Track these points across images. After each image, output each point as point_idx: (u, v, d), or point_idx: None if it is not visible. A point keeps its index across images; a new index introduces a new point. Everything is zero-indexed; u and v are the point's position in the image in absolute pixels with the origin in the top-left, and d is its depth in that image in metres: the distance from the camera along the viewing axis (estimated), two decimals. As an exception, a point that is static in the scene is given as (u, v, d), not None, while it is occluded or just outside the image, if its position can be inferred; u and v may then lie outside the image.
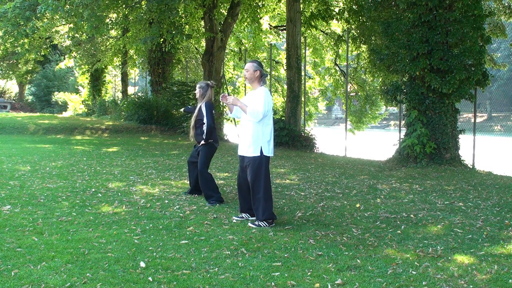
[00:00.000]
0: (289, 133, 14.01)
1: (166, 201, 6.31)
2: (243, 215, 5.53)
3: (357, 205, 6.27)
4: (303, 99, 15.83)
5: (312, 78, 22.44)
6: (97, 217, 5.41)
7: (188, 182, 7.10)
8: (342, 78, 20.44)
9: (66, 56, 29.08)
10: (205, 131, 6.34)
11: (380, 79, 15.05)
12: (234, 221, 5.41)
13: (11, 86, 42.86)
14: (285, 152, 12.92)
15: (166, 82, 21.27)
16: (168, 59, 21.91)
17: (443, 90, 9.69)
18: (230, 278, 3.66)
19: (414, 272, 3.82)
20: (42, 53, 23.54)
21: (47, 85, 37.05)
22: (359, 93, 20.26)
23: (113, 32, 23.43)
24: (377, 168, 10.24)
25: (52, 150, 12.19)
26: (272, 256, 4.19)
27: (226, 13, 17.44)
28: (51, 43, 24.83)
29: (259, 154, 5.22)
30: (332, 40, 19.43)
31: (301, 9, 15.46)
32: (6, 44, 16.52)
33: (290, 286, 3.54)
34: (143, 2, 14.53)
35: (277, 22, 21.01)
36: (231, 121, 18.34)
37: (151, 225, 5.11)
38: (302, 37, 15.37)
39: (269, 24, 20.87)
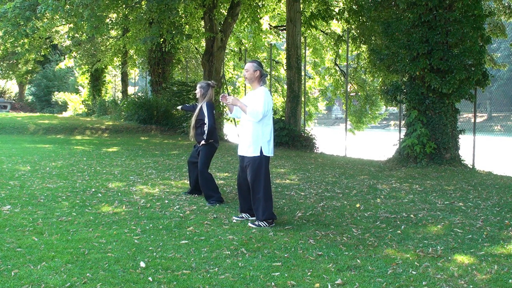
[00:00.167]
0: (289, 133, 14.01)
1: (166, 201, 6.31)
2: (243, 215, 5.53)
3: (357, 205, 6.27)
4: (303, 99, 15.83)
5: (312, 78, 22.44)
6: (97, 217, 5.41)
7: (188, 182, 7.10)
8: (342, 78, 20.44)
9: (66, 56, 29.08)
10: (206, 131, 6.34)
11: (380, 79, 15.06)
12: (234, 221, 5.41)
13: (11, 86, 42.86)
14: (285, 152, 12.92)
15: (166, 82, 21.27)
16: (168, 59, 21.91)
17: (443, 90, 9.69)
18: (230, 278, 3.66)
19: (414, 272, 3.82)
20: (42, 53, 23.59)
21: (47, 85, 37.06)
22: (359, 93, 20.25)
23: (113, 32, 23.44)
24: (377, 168, 10.23)
25: (52, 150, 12.19)
26: (272, 256, 4.19)
27: (226, 13, 17.44)
28: (51, 43, 24.84)
29: (259, 154, 5.22)
30: (332, 40, 19.43)
31: (301, 9, 15.46)
32: (6, 44, 16.54)
33: (290, 286, 3.54)
34: (143, 2, 14.53)
35: (277, 22, 21.01)
36: (231, 121, 18.34)
37: (151, 225, 5.11)
38: (302, 37, 15.37)
39: (269, 24, 20.87)
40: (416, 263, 4.04)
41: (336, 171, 9.53)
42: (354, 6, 15.10)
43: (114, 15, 17.32)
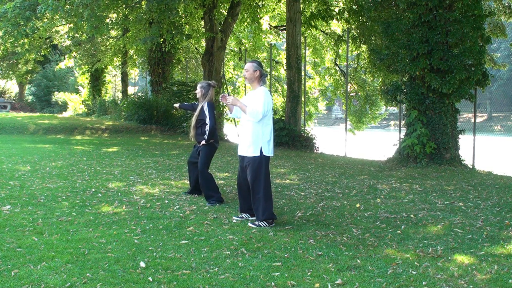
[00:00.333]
0: (289, 133, 14.01)
1: (166, 201, 6.31)
2: (243, 215, 5.53)
3: (357, 205, 6.27)
4: (303, 99, 15.83)
5: (312, 78, 22.44)
6: (97, 217, 5.41)
7: (188, 182, 7.10)
8: (342, 78, 20.45)
9: (66, 56, 29.07)
10: (207, 132, 6.33)
11: (380, 79, 15.05)
12: (234, 221, 5.41)
13: (11, 86, 42.86)
14: (285, 152, 12.92)
15: (166, 82, 21.27)
16: (168, 59, 21.91)
17: (443, 90, 9.69)
18: (230, 278, 3.66)
19: (414, 272, 3.82)
20: (42, 53, 23.58)
21: (47, 85, 37.07)
22: (359, 93, 20.25)
23: (113, 32, 23.43)
24: (377, 168, 10.23)
25: (52, 150, 12.19)
26: (272, 256, 4.19)
27: (226, 13, 17.44)
28: (51, 43, 24.83)
29: (259, 154, 5.22)
30: (332, 40, 19.43)
31: (301, 9, 15.46)
32: (6, 44, 16.53)
33: (290, 286, 3.54)
34: (143, 2, 14.53)
35: (277, 22, 21.01)
36: (231, 121, 18.34)
37: (151, 225, 5.11)
38: (302, 37, 15.37)
39: (269, 24, 20.87)
40: (416, 263, 4.04)
41: (336, 171, 9.53)
42: (354, 6, 15.10)
43: (114, 15, 17.32)
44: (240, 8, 17.07)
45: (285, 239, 4.71)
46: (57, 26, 21.14)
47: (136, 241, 4.54)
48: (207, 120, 6.35)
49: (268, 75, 17.19)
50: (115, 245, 4.38)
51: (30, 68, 33.33)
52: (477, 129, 11.45)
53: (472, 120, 11.37)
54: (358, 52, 17.28)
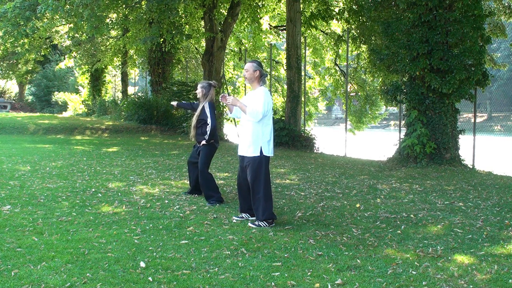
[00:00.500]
0: (289, 133, 14.01)
1: (166, 201, 6.31)
2: (243, 215, 5.53)
3: (357, 205, 6.27)
4: (303, 99, 15.83)
5: (312, 78, 22.44)
6: (97, 217, 5.41)
7: (188, 182, 7.10)
8: (342, 78, 20.45)
9: (66, 56, 29.08)
10: (208, 132, 6.33)
11: (380, 79, 15.05)
12: (234, 221, 5.41)
13: (11, 86, 42.86)
14: (285, 152, 12.92)
15: (166, 82, 21.27)
16: (168, 59, 21.91)
17: (443, 90, 9.69)
18: (230, 278, 3.66)
19: (414, 272, 3.82)
20: (42, 53, 23.57)
21: (47, 85, 37.07)
22: (359, 93, 20.25)
23: (113, 32, 23.43)
24: (377, 168, 10.23)
25: (52, 150, 12.19)
26: (272, 256, 4.19)
27: (226, 13, 17.44)
28: (51, 43, 24.83)
29: (259, 154, 5.22)
30: (332, 40, 19.43)
31: (301, 9, 15.46)
32: (6, 44, 16.52)
33: (290, 286, 3.54)
34: (143, 2, 14.53)
35: (277, 22, 21.02)
36: (231, 121, 18.34)
37: (151, 225, 5.11)
38: (302, 37, 15.37)
39: (269, 24, 20.88)
40: (416, 263, 4.04)
41: (336, 171, 9.53)
42: (354, 6, 15.10)
43: (114, 15, 17.32)
44: (240, 8, 17.07)
45: (285, 239, 4.71)
46: (57, 26, 21.15)
47: (136, 241, 4.54)
48: (209, 120, 6.34)
49: (268, 75, 17.19)
50: (115, 245, 4.38)
51: (30, 68, 33.33)
52: (477, 129, 11.45)
53: (472, 120, 11.37)
54: (358, 52, 17.28)
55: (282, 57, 22.05)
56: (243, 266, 3.93)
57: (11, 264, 3.81)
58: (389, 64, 10.70)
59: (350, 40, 15.35)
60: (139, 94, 24.75)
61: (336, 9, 16.82)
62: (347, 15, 15.66)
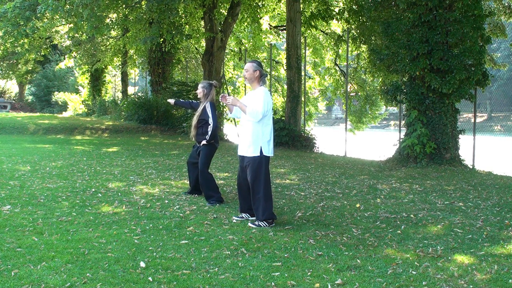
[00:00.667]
0: (289, 133, 14.01)
1: (166, 201, 6.31)
2: (243, 215, 5.53)
3: (357, 205, 6.27)
4: (303, 99, 15.83)
5: (312, 78, 22.44)
6: (97, 217, 5.41)
7: (188, 182, 7.10)
8: (342, 78, 20.45)
9: (66, 56, 29.08)
10: (209, 132, 6.32)
11: (380, 79, 15.05)
12: (234, 221, 5.41)
13: (11, 86, 42.88)
14: (285, 152, 12.92)
15: (166, 82, 21.27)
16: (168, 59, 21.91)
17: (443, 90, 9.69)
18: (230, 278, 3.66)
19: (414, 272, 3.82)
20: (42, 53, 23.56)
21: (47, 85, 37.07)
22: (359, 93, 20.25)
23: (113, 32, 23.42)
24: (377, 168, 10.23)
25: (52, 150, 12.19)
26: (272, 256, 4.19)
27: (226, 13, 17.44)
28: (51, 43, 24.83)
29: (259, 154, 5.22)
30: (332, 40, 19.43)
31: (301, 9, 15.46)
32: (6, 44, 16.53)
33: (290, 286, 3.54)
34: (143, 2, 14.53)
35: (277, 22, 21.02)
36: (231, 121, 18.35)
37: (151, 225, 5.11)
38: (302, 37, 15.37)
39: (269, 24, 20.88)
40: (416, 263, 4.04)
41: (336, 171, 9.53)
42: (354, 6, 15.10)
43: (114, 15, 17.31)
44: (240, 8, 17.07)
45: (285, 239, 4.71)
46: (57, 26, 21.14)
47: (136, 241, 4.54)
48: (210, 120, 6.34)
49: (268, 75, 17.19)
50: (115, 245, 4.38)
51: (30, 68, 33.36)
52: (477, 129, 11.45)
53: (472, 120, 11.37)
54: (358, 52, 17.28)
55: (282, 57, 22.05)
56: (243, 266, 3.93)
57: (11, 264, 3.81)
58: (389, 64, 10.70)
59: (350, 40, 15.35)
60: (139, 94, 24.76)
61: (336, 9, 16.82)
62: (347, 15, 15.66)
